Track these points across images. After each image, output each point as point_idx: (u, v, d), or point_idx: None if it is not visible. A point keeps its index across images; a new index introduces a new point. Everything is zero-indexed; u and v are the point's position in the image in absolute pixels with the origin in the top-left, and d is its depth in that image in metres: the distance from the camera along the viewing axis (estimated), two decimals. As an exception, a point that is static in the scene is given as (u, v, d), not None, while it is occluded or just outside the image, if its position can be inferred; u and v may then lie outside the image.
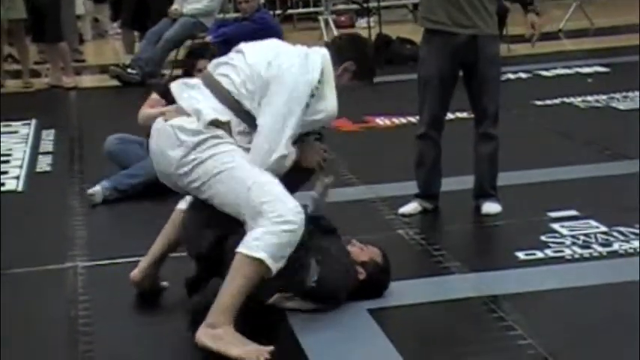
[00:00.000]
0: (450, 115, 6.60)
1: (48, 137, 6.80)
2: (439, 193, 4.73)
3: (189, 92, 3.52)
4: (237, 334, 3.23)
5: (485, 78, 4.60)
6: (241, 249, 3.25)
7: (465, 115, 6.93)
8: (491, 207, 4.58)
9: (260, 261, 3.22)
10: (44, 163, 6.12)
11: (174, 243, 3.73)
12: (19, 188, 5.60)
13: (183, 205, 3.68)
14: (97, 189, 5.13)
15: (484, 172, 4.67)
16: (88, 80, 9.44)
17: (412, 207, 4.65)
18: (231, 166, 3.36)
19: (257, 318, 3.48)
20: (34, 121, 7.28)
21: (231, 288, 3.24)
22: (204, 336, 3.22)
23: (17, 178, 5.79)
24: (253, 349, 3.17)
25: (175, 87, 3.58)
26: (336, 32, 10.97)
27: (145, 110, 5.17)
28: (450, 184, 4.96)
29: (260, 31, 8.48)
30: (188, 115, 3.45)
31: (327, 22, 11.10)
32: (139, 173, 5.17)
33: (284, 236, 3.25)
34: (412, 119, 6.77)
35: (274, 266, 3.24)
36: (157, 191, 4.85)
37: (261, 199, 3.27)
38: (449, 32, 4.50)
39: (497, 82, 4.69)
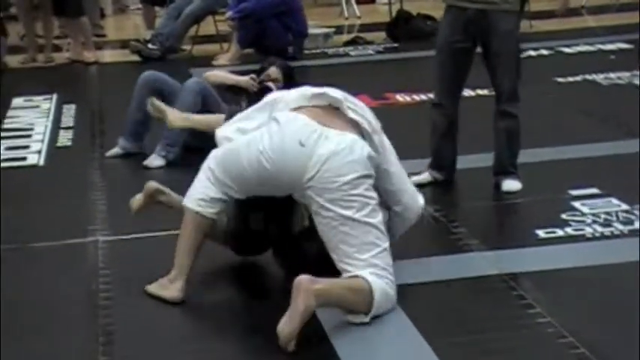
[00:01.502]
0: (470, 92, 6.61)
1: (69, 112, 6.82)
2: (452, 166, 4.75)
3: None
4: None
5: (499, 54, 4.59)
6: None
7: (485, 92, 6.90)
8: (510, 184, 4.57)
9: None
10: (65, 138, 6.14)
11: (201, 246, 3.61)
12: (41, 163, 5.63)
13: (192, 204, 3.55)
14: (154, 159, 5.29)
15: (502, 149, 4.66)
16: (108, 55, 9.45)
17: (423, 177, 4.69)
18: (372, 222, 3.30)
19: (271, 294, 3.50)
20: (55, 96, 7.30)
21: None
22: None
23: (39, 152, 5.82)
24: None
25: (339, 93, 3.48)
26: (356, 9, 10.96)
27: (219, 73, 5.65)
28: (471, 161, 4.96)
29: (281, 5, 8.49)
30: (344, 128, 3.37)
31: (347, -1, 11.05)
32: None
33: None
34: (432, 96, 6.75)
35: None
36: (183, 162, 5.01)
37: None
38: (460, 7, 4.58)
39: (512, 59, 4.63)
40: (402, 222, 3.61)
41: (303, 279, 3.10)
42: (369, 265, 3.25)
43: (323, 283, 3.14)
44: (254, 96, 4.83)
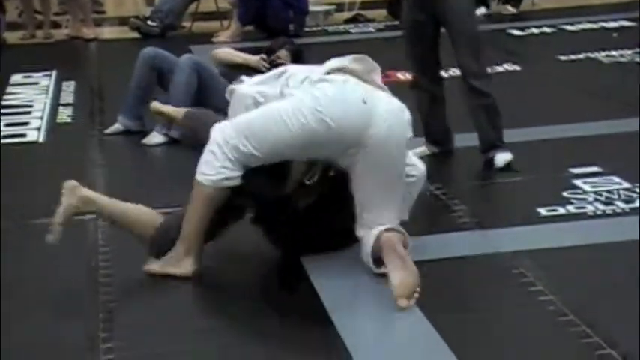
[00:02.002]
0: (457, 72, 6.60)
1: (68, 88, 6.80)
2: (446, 138, 4.81)
3: None
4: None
5: (458, 32, 4.62)
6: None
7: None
8: (502, 157, 4.56)
9: None
10: (65, 115, 6.12)
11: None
12: (40, 139, 5.62)
13: (210, 182, 3.46)
14: (154, 136, 5.27)
15: (484, 127, 4.66)
16: (108, 32, 9.41)
17: (420, 150, 4.70)
18: None
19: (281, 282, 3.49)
20: (54, 73, 7.28)
21: None
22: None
23: (38, 129, 5.81)
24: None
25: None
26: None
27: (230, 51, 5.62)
28: (471, 139, 4.94)
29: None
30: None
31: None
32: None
33: None
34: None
35: None
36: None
37: None
38: None
39: (472, 37, 4.65)
40: (416, 187, 3.71)
41: (391, 235, 3.30)
42: (397, 217, 3.45)
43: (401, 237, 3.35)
44: None
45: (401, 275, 3.20)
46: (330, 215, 3.56)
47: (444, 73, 5.06)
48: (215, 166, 3.45)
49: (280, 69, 3.72)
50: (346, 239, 3.57)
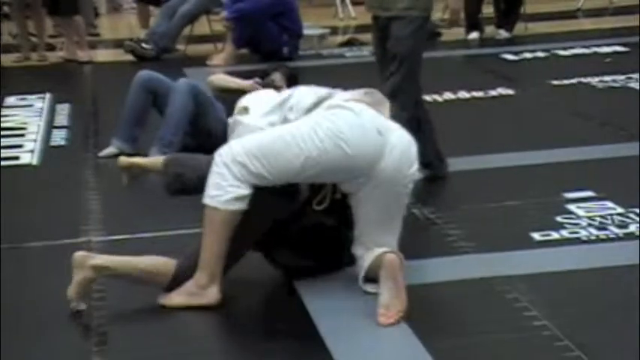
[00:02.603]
0: (465, 94, 6.61)
1: (62, 111, 6.80)
2: (433, 162, 4.78)
3: None
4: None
5: (394, 55, 4.72)
6: None
7: (472, 94, 6.92)
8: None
9: None
10: (59, 137, 6.12)
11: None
12: (34, 162, 5.61)
13: (224, 205, 3.42)
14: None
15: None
16: (102, 54, 9.42)
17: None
18: None
19: (272, 301, 3.49)
20: (48, 95, 7.28)
21: None
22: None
23: (32, 151, 5.80)
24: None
25: None
26: (351, 9, 10.95)
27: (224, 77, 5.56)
28: (466, 163, 4.96)
29: (276, 5, 8.47)
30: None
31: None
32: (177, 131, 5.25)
33: None
34: (428, 98, 6.69)
35: None
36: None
37: None
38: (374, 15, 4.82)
39: (403, 61, 4.71)
40: None
41: (396, 257, 3.31)
42: (395, 239, 3.50)
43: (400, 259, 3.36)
44: None
45: (391, 299, 3.24)
46: (327, 237, 3.56)
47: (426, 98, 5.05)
48: (223, 186, 3.40)
49: (284, 94, 3.72)
50: (339, 262, 3.58)
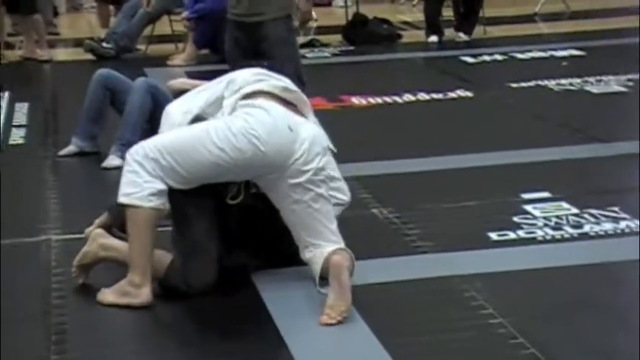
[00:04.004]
0: (411, 97, 6.68)
1: (21, 110, 6.75)
2: None
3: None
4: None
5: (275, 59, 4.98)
6: None
7: (430, 96, 6.98)
8: None
9: None
10: (17, 136, 6.08)
11: None
12: (-8, 160, 5.57)
13: (142, 201, 3.42)
14: (112, 159, 5.21)
15: None
16: (62, 53, 9.37)
17: None
18: None
19: (231, 294, 3.50)
20: (7, 94, 7.21)
21: None
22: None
23: (-10, 150, 5.76)
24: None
25: None
26: (312, 11, 10.97)
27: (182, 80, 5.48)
28: (423, 164, 5.01)
29: (237, 7, 8.47)
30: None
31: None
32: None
33: None
34: (388, 99, 6.80)
35: None
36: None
37: None
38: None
39: (289, 63, 4.96)
40: (339, 209, 3.74)
41: (341, 259, 3.38)
42: (334, 234, 3.52)
43: (349, 260, 3.44)
44: None
45: (335, 300, 3.29)
46: (266, 223, 3.61)
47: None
48: (139, 183, 3.43)
49: (222, 78, 3.74)
50: (293, 254, 3.60)
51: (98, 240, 3.63)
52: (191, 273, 3.47)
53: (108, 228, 3.89)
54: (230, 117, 3.53)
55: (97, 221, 3.97)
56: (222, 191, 3.56)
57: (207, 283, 3.49)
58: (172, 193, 3.47)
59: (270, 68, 4.00)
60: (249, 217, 3.62)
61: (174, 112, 3.71)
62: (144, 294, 3.43)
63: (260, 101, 3.55)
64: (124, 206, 3.47)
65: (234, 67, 4.97)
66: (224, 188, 3.56)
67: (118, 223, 3.82)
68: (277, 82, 3.68)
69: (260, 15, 5.03)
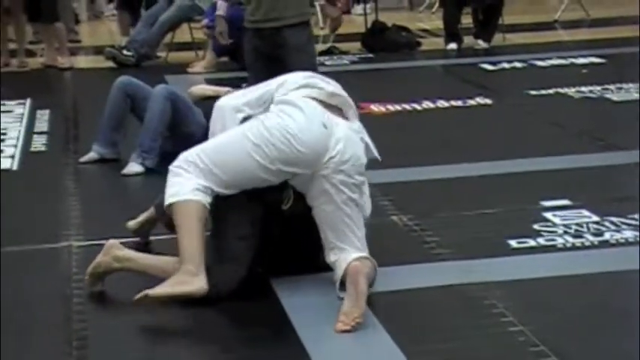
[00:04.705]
0: (430, 104, 6.66)
1: (43, 117, 6.81)
2: None
3: None
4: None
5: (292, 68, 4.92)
6: None
7: (442, 104, 6.98)
8: None
9: None
10: (39, 143, 6.13)
11: None
12: (14, 167, 5.61)
13: (188, 195, 3.50)
14: (132, 166, 5.24)
15: None
16: (83, 61, 9.43)
17: None
18: None
19: (251, 301, 3.51)
20: (28, 101, 7.28)
21: None
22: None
23: (12, 157, 5.80)
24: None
25: None
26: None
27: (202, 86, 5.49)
28: (442, 171, 5.01)
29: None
30: None
31: (323, 8, 11.09)
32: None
33: None
34: (407, 107, 6.81)
35: None
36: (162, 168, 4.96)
37: None
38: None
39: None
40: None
41: (360, 265, 3.38)
42: (360, 241, 3.52)
43: (370, 267, 3.44)
44: None
45: (349, 306, 3.29)
46: (301, 235, 3.61)
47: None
48: (181, 182, 3.50)
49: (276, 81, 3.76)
50: (316, 261, 3.61)
51: (112, 252, 3.63)
52: (220, 278, 3.48)
53: (153, 223, 3.99)
54: (264, 114, 3.56)
55: (143, 216, 4.04)
56: (275, 199, 3.58)
57: (232, 288, 3.50)
58: (216, 200, 3.51)
59: None
60: (295, 227, 3.63)
61: (226, 106, 3.73)
62: (200, 281, 3.44)
63: (294, 97, 3.57)
64: (170, 207, 3.51)
65: (255, 74, 5.02)
66: (277, 196, 3.58)
67: (165, 219, 3.84)
68: (326, 85, 3.69)
69: (278, 20, 5.05)
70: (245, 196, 3.54)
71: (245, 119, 3.64)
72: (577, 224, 4.24)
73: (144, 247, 4.00)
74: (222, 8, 6.70)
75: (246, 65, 5.50)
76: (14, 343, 3.30)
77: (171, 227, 3.70)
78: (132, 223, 4.06)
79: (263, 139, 3.47)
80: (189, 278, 3.44)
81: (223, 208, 3.54)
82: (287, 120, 3.50)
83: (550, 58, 8.52)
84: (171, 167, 3.59)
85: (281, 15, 5.07)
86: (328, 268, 3.56)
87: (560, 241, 4.06)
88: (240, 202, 3.54)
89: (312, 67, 5.10)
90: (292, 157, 3.47)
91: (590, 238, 4.09)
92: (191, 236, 3.46)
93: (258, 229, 3.55)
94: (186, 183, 3.49)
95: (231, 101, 3.75)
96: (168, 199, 3.52)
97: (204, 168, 3.50)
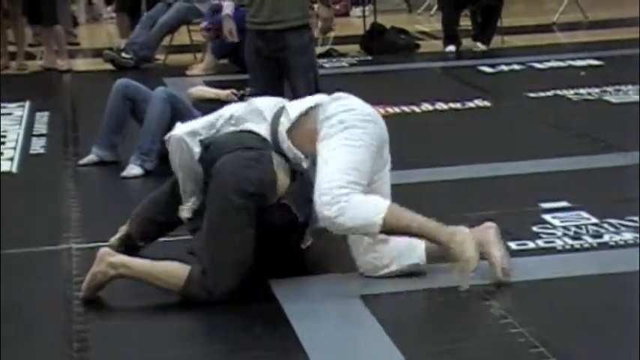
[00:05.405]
0: (441, 106, 6.67)
1: (42, 119, 6.82)
2: None
3: None
4: None
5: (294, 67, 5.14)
6: None
7: (449, 106, 6.98)
8: None
9: None
10: (38, 146, 6.14)
11: None
12: (13, 170, 5.62)
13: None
14: (131, 168, 5.25)
15: None
16: (82, 63, 9.43)
17: None
18: None
19: (250, 303, 3.52)
20: (27, 103, 7.28)
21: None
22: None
23: (11, 159, 5.81)
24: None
25: None
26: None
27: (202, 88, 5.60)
28: (441, 173, 5.02)
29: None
30: None
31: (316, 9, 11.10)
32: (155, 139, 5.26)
33: None
34: (406, 109, 6.82)
35: None
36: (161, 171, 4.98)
37: None
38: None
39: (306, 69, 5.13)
40: None
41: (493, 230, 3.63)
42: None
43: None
44: None
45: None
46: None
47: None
48: (366, 200, 3.55)
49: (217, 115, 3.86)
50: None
51: (106, 259, 3.60)
52: (219, 280, 3.49)
53: (128, 237, 3.92)
54: (341, 133, 3.66)
55: (122, 231, 4.01)
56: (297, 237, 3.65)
57: (232, 290, 3.51)
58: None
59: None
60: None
61: (183, 134, 3.79)
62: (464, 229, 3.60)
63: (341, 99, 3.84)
64: (384, 219, 3.55)
65: (256, 76, 5.02)
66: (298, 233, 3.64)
67: (139, 233, 3.85)
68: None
69: (281, 23, 5.06)
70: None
71: (201, 142, 3.68)
72: (576, 226, 4.24)
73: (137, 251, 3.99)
74: (229, 8, 6.70)
75: (247, 66, 5.50)
76: (15, 345, 3.30)
77: (144, 240, 3.77)
78: (113, 240, 3.97)
79: (369, 142, 3.68)
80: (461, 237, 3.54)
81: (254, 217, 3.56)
82: (358, 122, 3.72)
83: (548, 61, 8.53)
84: (332, 199, 3.48)
85: (284, 17, 5.08)
86: (328, 268, 3.56)
87: (559, 243, 4.07)
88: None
89: (312, 69, 5.14)
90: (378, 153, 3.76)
91: (590, 239, 4.09)
92: (421, 218, 3.63)
93: (260, 231, 3.56)
94: (369, 197, 3.57)
95: (186, 128, 3.80)
96: (378, 215, 3.52)
97: (362, 182, 3.61)
